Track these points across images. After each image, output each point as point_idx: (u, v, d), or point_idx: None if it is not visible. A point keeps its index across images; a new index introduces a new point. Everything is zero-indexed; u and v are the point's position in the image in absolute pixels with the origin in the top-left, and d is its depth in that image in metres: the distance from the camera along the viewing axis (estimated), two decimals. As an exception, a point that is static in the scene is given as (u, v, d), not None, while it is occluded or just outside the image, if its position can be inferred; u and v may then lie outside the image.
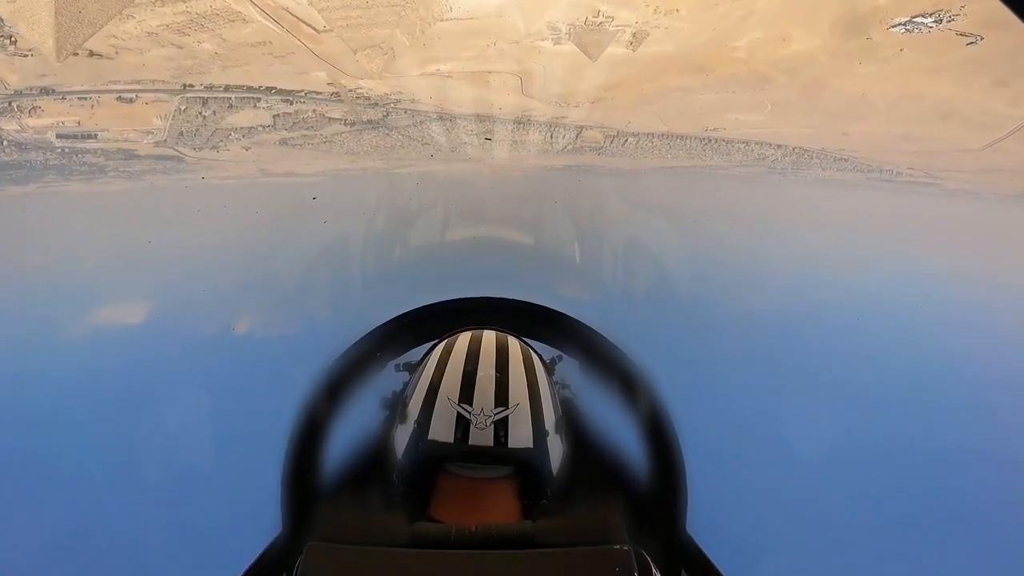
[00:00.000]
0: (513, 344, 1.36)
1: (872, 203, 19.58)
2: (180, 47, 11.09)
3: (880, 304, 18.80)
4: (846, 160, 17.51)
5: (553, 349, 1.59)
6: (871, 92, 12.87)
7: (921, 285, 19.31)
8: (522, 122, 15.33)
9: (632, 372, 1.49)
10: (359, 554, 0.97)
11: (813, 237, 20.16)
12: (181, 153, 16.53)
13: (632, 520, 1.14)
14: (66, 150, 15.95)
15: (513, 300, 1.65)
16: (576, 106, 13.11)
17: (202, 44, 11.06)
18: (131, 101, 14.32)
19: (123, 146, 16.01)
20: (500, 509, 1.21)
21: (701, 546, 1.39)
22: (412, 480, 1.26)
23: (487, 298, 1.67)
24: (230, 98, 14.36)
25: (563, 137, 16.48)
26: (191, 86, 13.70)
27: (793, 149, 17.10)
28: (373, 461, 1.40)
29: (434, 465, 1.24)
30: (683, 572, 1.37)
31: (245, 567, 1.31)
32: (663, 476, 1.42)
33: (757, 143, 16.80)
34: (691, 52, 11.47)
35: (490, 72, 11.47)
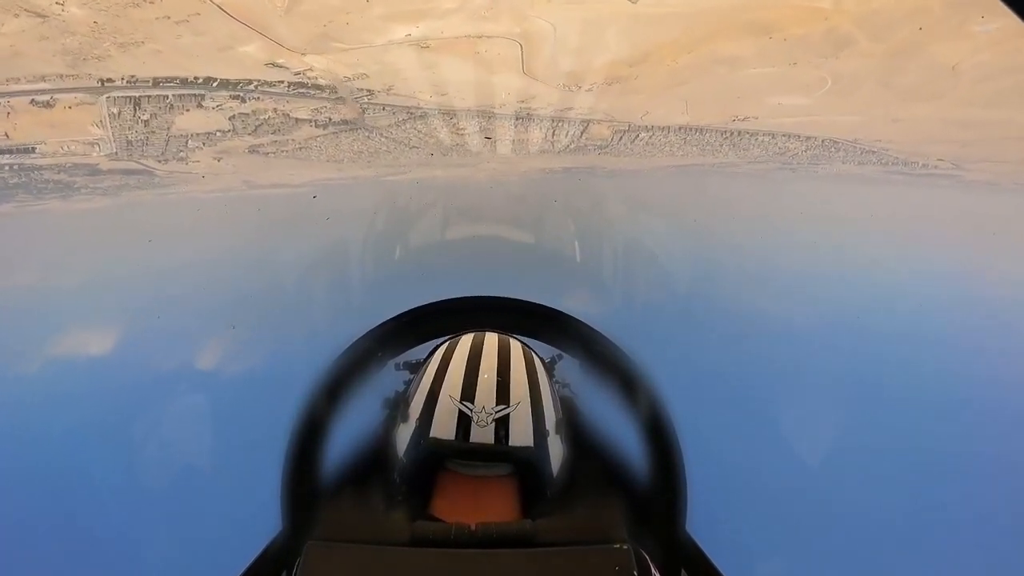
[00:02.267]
0: (515, 345, 1.10)
1: (880, 198, 14.69)
2: (41, 16, 6.11)
3: (874, 301, 14.76)
4: (874, 152, 12.56)
5: (553, 348, 1.28)
6: (966, 62, 7.86)
7: (917, 281, 15.18)
8: (521, 117, 10.32)
9: (632, 372, 1.19)
10: (359, 553, 0.78)
11: (804, 235, 15.78)
12: (147, 167, 11.52)
13: (632, 519, 0.93)
14: (15, 167, 11.08)
15: (513, 299, 1.32)
16: (588, 89, 8.06)
17: (68, 9, 6.08)
18: (50, 105, 9.26)
19: (75, 160, 11.02)
20: (500, 508, 0.97)
21: (701, 546, 1.13)
22: (413, 478, 1.01)
23: (487, 297, 1.34)
24: (166, 96, 9.28)
25: (566, 135, 11.44)
26: (110, 81, 8.65)
27: (822, 141, 12.09)
28: (374, 459, 1.12)
29: (435, 463, 1.00)
30: (683, 572, 1.12)
31: (245, 566, 1.07)
32: (663, 476, 1.15)
33: (784, 135, 11.78)
34: (757, 1, 6.52)
35: (480, 37, 6.48)
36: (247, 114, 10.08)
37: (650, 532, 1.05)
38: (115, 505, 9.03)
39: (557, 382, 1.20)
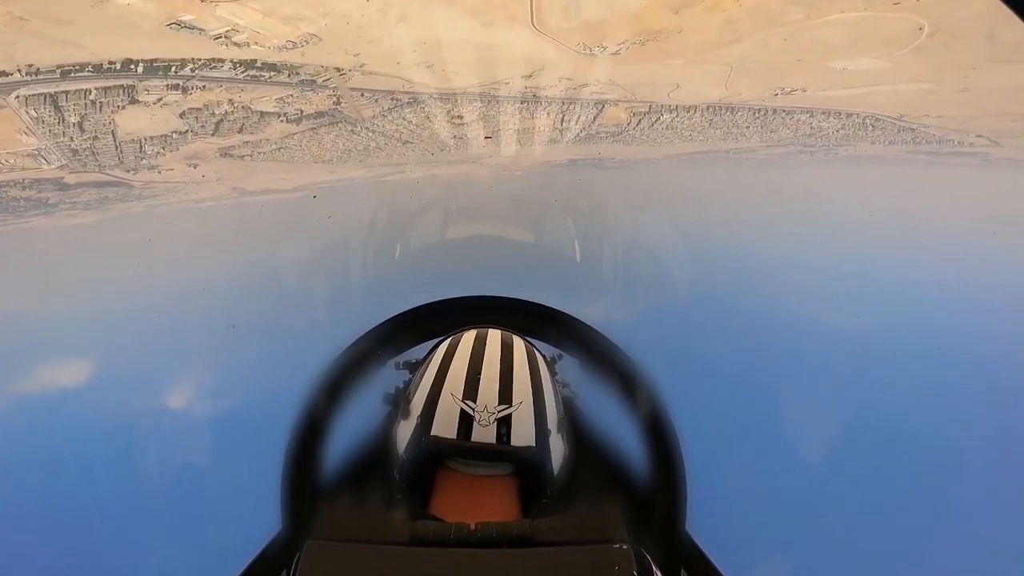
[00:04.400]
0: (518, 343, 0.90)
1: (891, 180, 11.67)
2: None
3: (868, 291, 11.96)
4: (912, 130, 9.45)
5: (553, 348, 1.06)
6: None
7: (913, 269, 12.23)
8: (527, 100, 7.25)
9: (632, 372, 1.02)
10: (358, 552, 0.65)
11: (801, 225, 12.77)
12: (118, 178, 8.53)
13: (632, 519, 0.78)
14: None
15: (513, 299, 1.11)
16: (615, 52, 4.98)
17: None
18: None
19: (28, 175, 8.07)
20: (500, 507, 0.80)
21: (700, 545, 0.97)
22: (413, 477, 0.83)
23: (486, 297, 1.12)
24: (88, 91, 6.21)
25: (578, 120, 8.34)
26: (4, 74, 5.62)
27: (863, 119, 8.97)
28: (374, 458, 0.94)
29: (435, 461, 0.82)
30: (682, 571, 0.95)
31: (245, 565, 0.92)
32: (663, 475, 0.98)
33: (824, 112, 8.66)
34: None
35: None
36: (199, 109, 7.00)
37: (650, 532, 0.90)
38: (115, 504, 7.88)
39: (558, 381, 0.96)
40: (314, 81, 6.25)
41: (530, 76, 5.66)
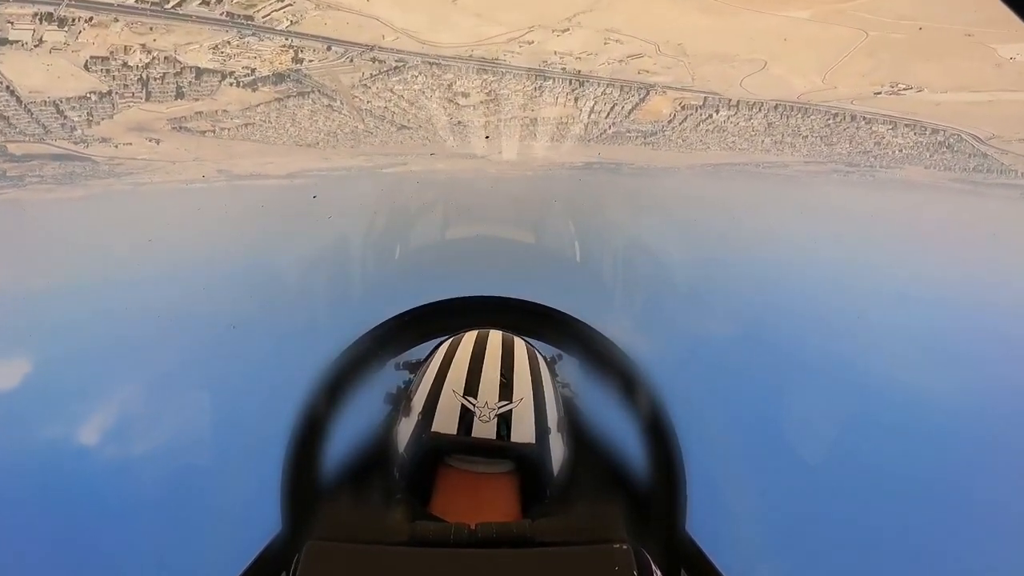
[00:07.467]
0: (519, 343, 0.76)
1: (907, 207, 9.04)
2: None
3: (856, 302, 9.14)
4: (985, 156, 6.73)
5: (553, 348, 0.89)
6: None
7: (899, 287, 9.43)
8: (551, 77, 4.44)
9: (632, 372, 0.85)
10: (358, 553, 0.54)
11: (786, 241, 9.99)
12: (68, 150, 5.65)
13: (632, 519, 0.66)
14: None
15: (513, 299, 0.93)
16: None
17: None
18: None
19: None
20: (500, 506, 0.67)
21: (700, 545, 0.83)
22: (414, 475, 0.69)
23: (486, 297, 0.94)
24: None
25: (611, 113, 5.51)
26: None
27: (948, 137, 6.19)
28: (374, 458, 0.79)
29: (436, 459, 0.68)
30: (682, 571, 0.80)
31: (245, 566, 0.77)
32: (663, 476, 0.83)
33: (909, 124, 5.86)
34: None
35: None
36: (104, 58, 4.15)
37: (650, 532, 0.76)
38: (114, 504, 6.48)
39: (558, 382, 0.83)
40: (251, 19, 3.42)
41: (564, 30, 2.81)
